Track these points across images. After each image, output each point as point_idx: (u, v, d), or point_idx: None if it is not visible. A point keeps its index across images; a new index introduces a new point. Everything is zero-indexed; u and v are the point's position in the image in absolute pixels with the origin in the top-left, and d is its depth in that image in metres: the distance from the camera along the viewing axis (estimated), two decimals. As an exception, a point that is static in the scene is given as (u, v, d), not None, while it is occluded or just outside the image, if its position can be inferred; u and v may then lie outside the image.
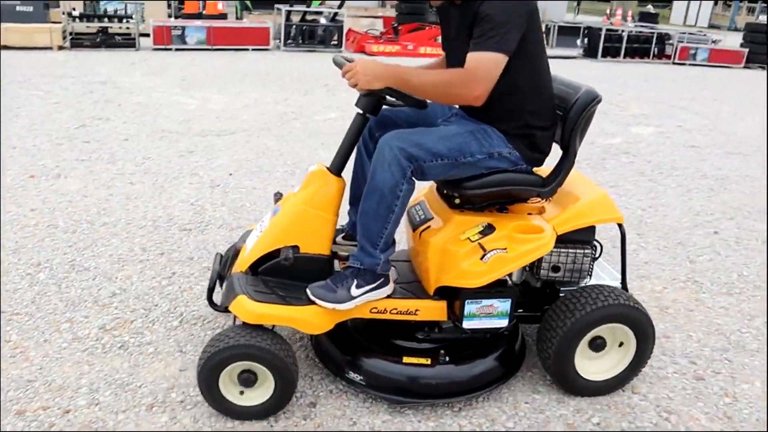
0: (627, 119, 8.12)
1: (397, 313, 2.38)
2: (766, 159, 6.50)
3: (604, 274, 2.85)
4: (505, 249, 2.30)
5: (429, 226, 2.46)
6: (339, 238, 2.68)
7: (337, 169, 2.38)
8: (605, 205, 2.53)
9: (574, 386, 2.49)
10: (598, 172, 5.58)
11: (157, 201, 4.33)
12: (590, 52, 15.17)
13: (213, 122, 6.55)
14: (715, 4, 41.19)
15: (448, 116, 2.57)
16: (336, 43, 13.08)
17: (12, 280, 3.19)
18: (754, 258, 4.02)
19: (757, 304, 3.40)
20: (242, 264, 2.40)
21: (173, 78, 8.93)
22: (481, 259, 2.28)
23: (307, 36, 12.91)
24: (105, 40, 11.44)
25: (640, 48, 15.60)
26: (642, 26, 18.27)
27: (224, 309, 2.34)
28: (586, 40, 15.52)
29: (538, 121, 2.36)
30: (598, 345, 2.45)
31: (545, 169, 2.49)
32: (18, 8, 10.84)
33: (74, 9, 11.77)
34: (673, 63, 15.61)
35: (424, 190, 2.76)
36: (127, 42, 11.61)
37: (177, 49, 11.71)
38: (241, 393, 2.27)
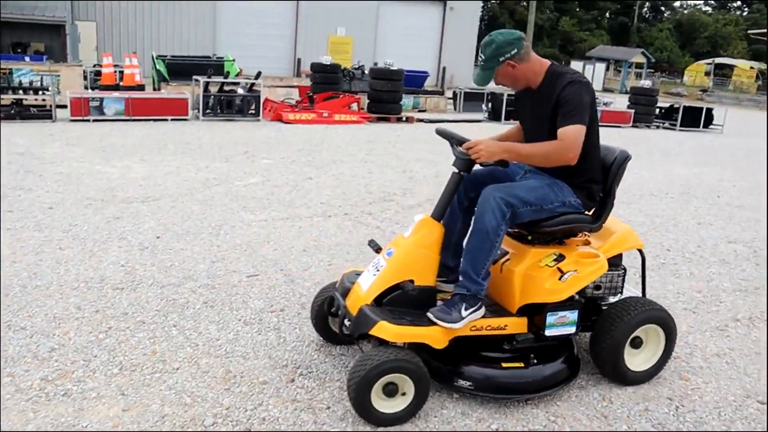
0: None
1: (491, 330, 2.99)
2: (765, 179, 7.30)
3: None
4: (576, 271, 3.01)
5: (508, 259, 3.10)
6: None
7: (438, 216, 2.98)
8: (631, 236, 3.38)
9: (626, 378, 3.20)
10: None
11: (87, 264, 4.52)
12: (494, 116, 16.27)
13: (137, 190, 6.77)
14: (607, 69, 44.65)
15: (524, 173, 3.20)
16: (254, 112, 13.52)
17: (-50, 341, 3.33)
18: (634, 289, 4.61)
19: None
20: (366, 297, 2.90)
21: (94, 148, 9.07)
22: (560, 279, 2.97)
23: (226, 106, 13.31)
24: (20, 112, 11.44)
25: (539, 111, 16.84)
26: (540, 91, 19.71)
27: (358, 337, 2.87)
28: (489, 104, 16.65)
29: (593, 177, 3.10)
30: (637, 343, 3.19)
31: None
32: (-73, 83, 10.72)
33: (-13, 82, 11.74)
34: (570, 124, 16.91)
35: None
36: (43, 113, 11.63)
37: (95, 120, 11.82)
38: (384, 402, 2.74)
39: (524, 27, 30.75)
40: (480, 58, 3.06)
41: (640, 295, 3.57)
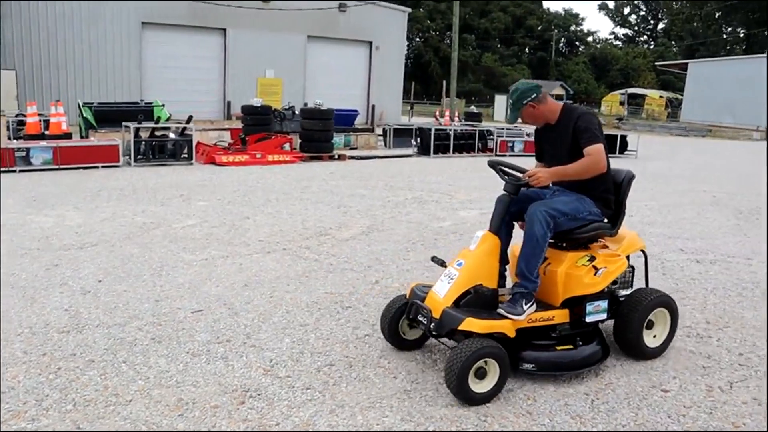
0: (455, 205, 9.33)
1: (542, 321, 3.67)
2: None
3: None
4: (606, 267, 3.77)
5: (549, 263, 3.80)
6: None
7: (495, 231, 3.70)
8: (637, 240, 4.19)
9: (645, 354, 3.95)
10: (430, 250, 6.52)
11: (30, 311, 4.58)
12: (423, 150, 16.85)
13: (73, 237, 6.80)
14: (529, 102, 46.50)
15: (553, 191, 3.96)
16: (186, 156, 13.59)
17: None
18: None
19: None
20: (446, 301, 3.53)
21: (23, 198, 8.98)
22: (595, 275, 3.73)
23: (158, 151, 13.34)
24: (-58, 167, 11.16)
25: (466, 144, 17.58)
26: (467, 125, 20.56)
27: (445, 333, 3.49)
28: (418, 139, 17.23)
29: (608, 189, 3.91)
30: (650, 324, 3.97)
31: None
32: None
33: None
34: (495, 155, 17.69)
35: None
36: (-33, 167, 11.39)
37: (21, 171, 11.65)
38: (476, 384, 3.31)
39: (449, 64, 31.86)
40: (508, 103, 3.94)
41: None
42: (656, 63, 61.71)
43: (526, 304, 3.57)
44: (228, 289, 5.16)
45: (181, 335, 4.17)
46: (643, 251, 4.24)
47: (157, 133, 13.78)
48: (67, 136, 14.05)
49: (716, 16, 70.17)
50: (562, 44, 75.11)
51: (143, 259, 5.97)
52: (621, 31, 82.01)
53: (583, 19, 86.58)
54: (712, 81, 45.06)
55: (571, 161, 3.73)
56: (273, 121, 16.77)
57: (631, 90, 57.49)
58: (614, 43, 79.86)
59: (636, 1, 79.17)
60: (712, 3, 67.46)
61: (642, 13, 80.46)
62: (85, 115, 15.45)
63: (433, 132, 16.76)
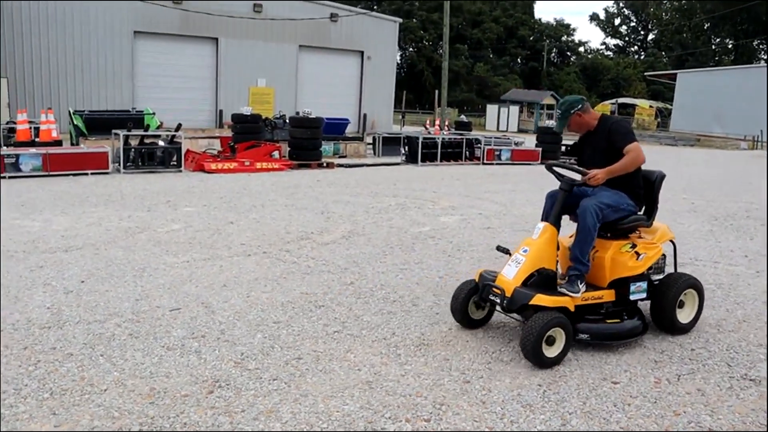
0: (437, 211, 9.55)
1: (593, 300, 4.33)
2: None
3: None
4: (646, 253, 4.45)
5: (597, 251, 4.44)
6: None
7: (554, 223, 4.31)
8: (668, 231, 4.82)
9: (678, 329, 4.61)
10: (407, 254, 6.72)
11: (12, 308, 4.75)
12: (411, 158, 17.08)
13: (59, 240, 6.97)
14: (521, 111, 46.95)
15: (593, 188, 4.50)
16: (175, 163, 13.77)
17: None
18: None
19: (517, 332, 4.53)
20: (516, 282, 4.15)
21: (11, 204, 9.14)
22: (637, 259, 4.41)
23: (147, 158, 13.52)
24: (-68, 173, 11.32)
25: (453, 152, 17.81)
26: (455, 134, 20.81)
27: (517, 308, 4.12)
28: (406, 148, 17.47)
29: (638, 184, 4.58)
30: (681, 304, 4.63)
31: None
32: None
33: None
34: (483, 163, 17.94)
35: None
36: (-43, 173, 11.54)
37: (11, 177, 11.81)
38: (547, 349, 3.94)
39: (441, 73, 32.18)
40: (557, 113, 4.69)
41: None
42: (646, 73, 62.26)
43: (580, 283, 4.24)
44: (207, 289, 5.34)
45: (158, 331, 4.35)
46: (672, 241, 4.87)
47: (147, 141, 13.97)
48: (58, 143, 14.24)
49: (705, 28, 70.90)
50: (553, 54, 75.69)
51: (126, 262, 6.14)
52: (612, 42, 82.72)
53: (574, 30, 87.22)
54: (700, 91, 45.58)
55: (607, 162, 4.39)
56: (263, 129, 16.98)
57: (621, 100, 57.94)
58: (605, 53, 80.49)
59: (626, 12, 79.93)
60: (700, 14, 68.19)
61: (632, 24, 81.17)
62: (75, 122, 15.62)
63: (420, 140, 17.00)
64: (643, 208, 4.74)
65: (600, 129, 4.58)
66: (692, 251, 7.51)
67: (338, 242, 7.22)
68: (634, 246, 4.47)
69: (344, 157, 17.96)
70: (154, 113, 17.18)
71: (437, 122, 25.89)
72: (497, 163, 18.14)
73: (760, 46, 69.50)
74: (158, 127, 16.32)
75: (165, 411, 3.26)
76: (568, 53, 78.65)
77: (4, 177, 11.76)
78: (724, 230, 9.01)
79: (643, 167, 4.64)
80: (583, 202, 4.31)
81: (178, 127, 14.52)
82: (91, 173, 12.59)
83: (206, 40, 25.91)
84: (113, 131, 13.74)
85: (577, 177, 4.43)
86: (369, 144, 19.75)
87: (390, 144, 18.81)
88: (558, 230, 4.35)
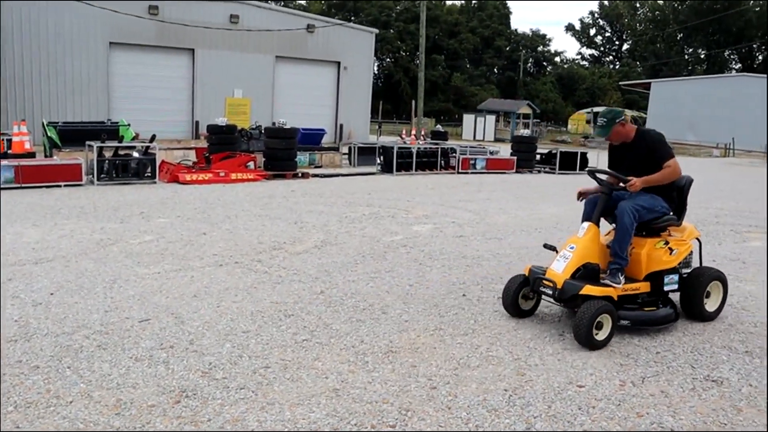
0: (410, 220, 9.61)
1: (632, 291, 4.85)
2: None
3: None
4: (678, 249, 5.01)
5: (634, 247, 4.93)
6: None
7: (596, 222, 4.85)
8: (695, 230, 5.35)
9: (706, 317, 5.16)
10: (378, 262, 6.77)
11: (-20, 322, 4.71)
12: (387, 168, 17.15)
13: (29, 253, 6.90)
14: (497, 121, 47.34)
15: (630, 192, 4.90)
16: (150, 175, 13.69)
17: None
18: (491, 308, 5.29)
19: (484, 338, 4.59)
20: (565, 274, 4.67)
21: (-18, 217, 9.03)
22: (670, 254, 4.97)
23: (121, 170, 13.43)
24: None
25: (428, 162, 17.92)
26: (431, 143, 20.94)
27: (567, 298, 4.63)
28: (381, 158, 17.54)
29: (672, 189, 5.06)
30: (707, 294, 5.18)
31: None
32: None
33: None
34: (458, 172, 18.07)
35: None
36: (-74, 186, 11.37)
37: (-18, 190, 11.65)
38: (597, 333, 4.47)
39: (418, 83, 32.35)
40: (601, 121, 5.03)
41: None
42: (621, 82, 63.16)
43: (621, 275, 4.75)
44: (177, 299, 5.33)
45: (126, 342, 4.33)
46: (698, 239, 5.40)
47: (121, 152, 13.88)
48: (31, 155, 14.09)
49: (678, 38, 72.19)
50: (529, 64, 76.48)
51: (97, 273, 6.11)
52: (587, 52, 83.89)
53: (550, 40, 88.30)
54: (674, 100, 46.38)
55: (644, 171, 4.88)
56: (239, 140, 16.95)
57: (597, 109, 58.63)
58: (581, 63, 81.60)
59: (601, 23, 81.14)
60: (673, 25, 69.44)
61: (607, 34, 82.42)
62: (49, 134, 15.47)
63: (396, 150, 17.08)
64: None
65: (637, 141, 5.03)
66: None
67: (310, 252, 7.24)
68: (666, 243, 5.00)
69: (320, 167, 17.98)
70: (129, 124, 17.05)
71: (413, 132, 26.03)
72: (472, 172, 18.28)
73: (731, 56, 70.95)
74: (133, 139, 16.20)
75: (131, 422, 3.25)
76: (545, 63, 79.57)
77: (-25, 190, 11.59)
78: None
79: None
80: (622, 203, 4.82)
81: (153, 138, 14.45)
82: (65, 185, 12.47)
83: (182, 51, 25.83)
84: (87, 143, 13.64)
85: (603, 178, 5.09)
86: (345, 154, 19.80)
87: (366, 154, 18.87)
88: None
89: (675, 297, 5.21)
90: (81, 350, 4.19)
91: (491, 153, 20.66)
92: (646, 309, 4.91)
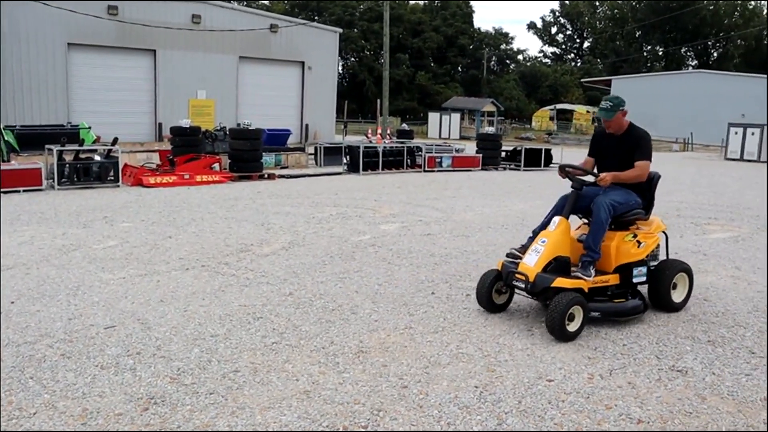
0: (378, 219, 9.61)
1: (602, 283, 4.99)
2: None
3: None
4: (645, 242, 5.15)
5: (603, 240, 4.96)
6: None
7: (566, 216, 4.95)
8: (661, 223, 5.48)
9: (673, 307, 5.30)
10: (347, 262, 6.75)
11: (-63, 333, 4.56)
12: (353, 168, 17.13)
13: (-13, 260, 6.72)
14: (462, 119, 47.64)
15: (605, 188, 5.08)
16: (113, 178, 13.44)
17: None
18: (460, 306, 5.31)
19: (454, 336, 4.61)
20: (537, 268, 4.73)
21: (-63, 225, 8.76)
22: (639, 247, 5.11)
23: (82, 174, 13.15)
24: None
25: (395, 161, 17.96)
26: (397, 142, 20.97)
27: (539, 291, 4.71)
28: (347, 157, 17.51)
29: (643, 185, 5.19)
30: (674, 285, 5.33)
31: None
32: None
33: None
34: (424, 171, 18.14)
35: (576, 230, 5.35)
36: None
37: (-63, 197, 11.30)
38: (569, 325, 4.56)
39: (383, 82, 32.37)
40: (607, 104, 5.12)
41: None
42: (583, 80, 64.15)
43: (592, 269, 4.86)
44: (143, 305, 5.24)
45: (91, 350, 4.24)
46: (664, 232, 5.51)
47: (82, 156, 13.60)
48: (-13, 160, 13.70)
49: (637, 35, 73.60)
50: (493, 62, 77.19)
51: (59, 280, 5.97)
52: (549, 50, 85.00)
53: (512, 38, 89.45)
54: (634, 96, 47.18)
55: (619, 166, 5.09)
56: (203, 141, 16.75)
57: (559, 106, 59.56)
58: (543, 60, 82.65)
59: (563, 21, 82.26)
60: (632, 23, 70.75)
61: (569, 32, 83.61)
62: (6, 138, 15.07)
63: (362, 150, 17.07)
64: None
65: (626, 135, 5.20)
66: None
67: (278, 253, 7.19)
68: (635, 236, 5.15)
69: (286, 168, 17.89)
70: (89, 127, 16.74)
71: (379, 131, 26.04)
72: (438, 170, 18.37)
73: (688, 54, 72.60)
74: (94, 142, 15.91)
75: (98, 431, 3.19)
76: (508, 61, 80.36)
77: (-71, 197, 11.24)
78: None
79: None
80: (598, 199, 4.95)
81: (115, 141, 14.18)
82: (24, 191, 12.17)
83: (143, 51, 25.37)
84: (46, 146, 13.33)
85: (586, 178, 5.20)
86: (311, 154, 19.72)
87: (332, 154, 18.83)
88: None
89: (643, 289, 5.33)
90: (44, 360, 4.09)
91: (457, 151, 20.77)
92: (615, 301, 5.04)
